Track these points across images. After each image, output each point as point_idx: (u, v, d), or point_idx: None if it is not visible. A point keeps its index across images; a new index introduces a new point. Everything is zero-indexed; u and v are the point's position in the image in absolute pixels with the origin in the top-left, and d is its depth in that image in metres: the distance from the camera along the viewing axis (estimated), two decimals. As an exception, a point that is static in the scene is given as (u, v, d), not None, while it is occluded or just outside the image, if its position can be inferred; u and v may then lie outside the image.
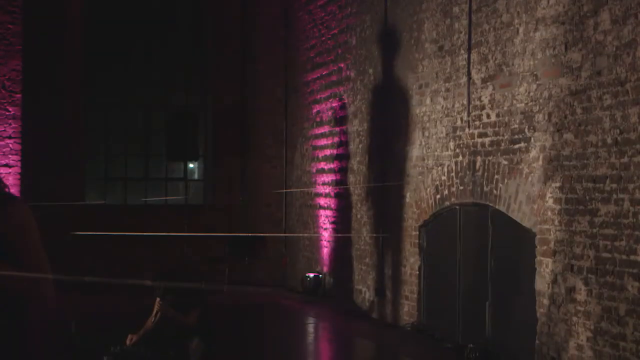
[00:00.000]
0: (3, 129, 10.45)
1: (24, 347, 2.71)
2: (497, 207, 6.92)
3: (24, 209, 2.73)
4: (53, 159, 11.27)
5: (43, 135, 11.11)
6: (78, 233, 9.14)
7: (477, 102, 7.26)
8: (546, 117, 6.25)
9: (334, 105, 10.65)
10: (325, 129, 10.94)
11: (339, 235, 10.31)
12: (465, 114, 7.43)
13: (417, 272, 8.38)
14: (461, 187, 7.53)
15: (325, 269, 10.80)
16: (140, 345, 6.89)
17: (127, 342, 6.95)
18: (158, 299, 7.06)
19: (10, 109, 10.51)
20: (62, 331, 7.88)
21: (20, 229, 2.68)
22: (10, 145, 10.48)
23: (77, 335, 7.63)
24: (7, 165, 10.26)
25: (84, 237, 9.65)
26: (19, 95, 10.59)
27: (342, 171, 10.34)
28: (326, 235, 10.84)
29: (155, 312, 7.11)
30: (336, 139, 10.57)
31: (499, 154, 6.91)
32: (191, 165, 12.82)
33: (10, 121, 10.51)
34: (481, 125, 7.20)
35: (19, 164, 10.59)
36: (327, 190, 10.86)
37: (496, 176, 6.93)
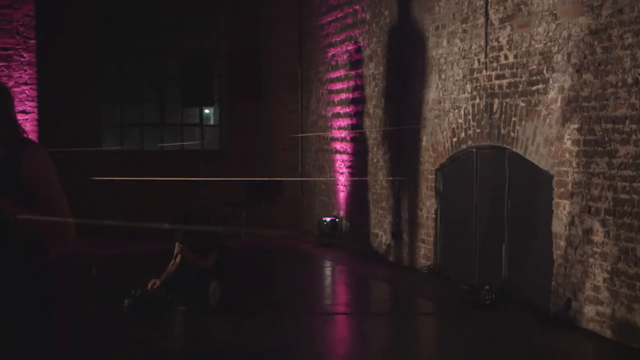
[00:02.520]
0: (19, 75, 10.44)
1: (45, 290, 2.76)
2: (514, 149, 6.88)
3: (43, 153, 2.75)
4: (69, 105, 11.29)
5: (58, 82, 11.11)
6: (96, 178, 9.21)
7: (495, 43, 7.15)
8: (565, 58, 6.16)
9: (349, 48, 10.54)
10: (341, 72, 10.85)
11: (355, 179, 10.32)
12: (483, 55, 7.33)
13: (434, 215, 8.41)
14: (478, 130, 7.48)
15: (341, 213, 10.85)
16: (161, 289, 7.02)
17: (150, 286, 7.07)
18: (177, 243, 7.16)
19: (25, 55, 10.49)
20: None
21: (40, 174, 2.70)
22: (27, 92, 10.48)
23: (97, 279, 7.78)
24: (24, 112, 10.29)
25: (102, 183, 9.73)
26: (33, 41, 10.54)
27: (358, 115, 10.29)
28: (342, 179, 10.85)
29: (175, 255, 7.22)
30: (352, 83, 10.49)
31: (516, 96, 6.83)
32: (207, 111, 12.81)
33: (25, 67, 10.50)
34: (499, 67, 7.11)
35: (35, 110, 10.62)
36: (343, 135, 10.83)
37: (513, 118, 6.87)
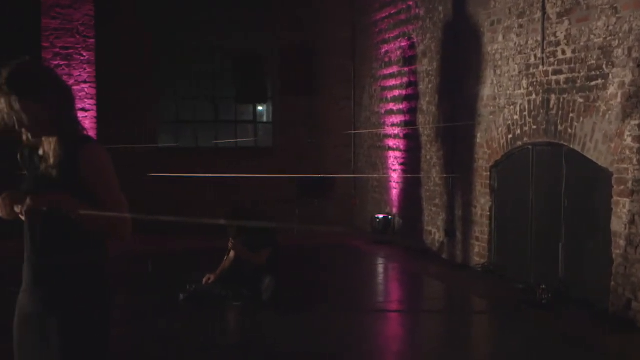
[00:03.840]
0: (78, 74, 10.70)
1: (103, 283, 2.81)
2: (571, 146, 6.74)
3: (101, 150, 2.78)
4: (126, 102, 11.50)
5: (116, 80, 11.33)
6: (153, 175, 9.36)
7: (552, 38, 7.02)
8: (626, 52, 6.00)
9: (402, 44, 10.47)
10: (394, 69, 10.80)
11: (408, 176, 10.26)
12: (540, 50, 7.20)
13: (488, 213, 8.30)
14: (534, 127, 7.36)
15: (394, 210, 10.80)
16: (216, 284, 7.10)
17: (205, 281, 7.16)
18: (230, 238, 7.23)
19: (84, 54, 10.73)
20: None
21: (98, 170, 2.74)
22: (86, 90, 10.73)
23: (153, 273, 7.91)
24: (83, 110, 10.53)
25: (158, 179, 9.89)
26: (92, 40, 10.78)
27: (411, 112, 10.22)
28: (395, 176, 10.80)
29: (229, 251, 7.30)
30: (405, 79, 10.42)
31: (574, 92, 6.69)
32: (260, 108, 12.89)
33: (85, 66, 10.75)
34: (556, 62, 6.97)
35: (94, 107, 10.86)
36: (396, 131, 10.78)
37: (571, 114, 6.73)
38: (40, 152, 2.77)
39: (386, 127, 11.08)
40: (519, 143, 7.65)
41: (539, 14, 7.20)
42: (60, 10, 10.61)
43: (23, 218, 2.69)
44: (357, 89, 12.24)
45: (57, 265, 2.71)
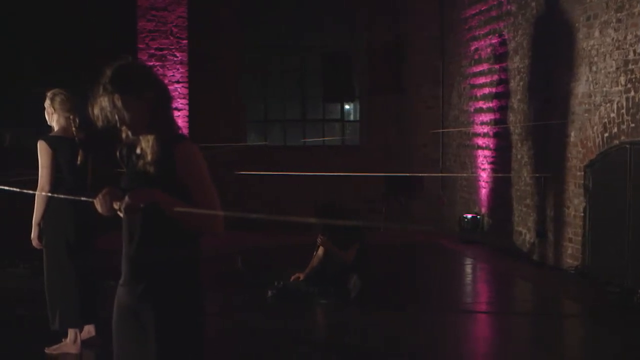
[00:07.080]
0: (172, 74, 11.02)
1: (196, 278, 2.87)
2: (673, 145, 6.45)
3: (195, 148, 2.85)
4: (217, 102, 11.75)
5: (207, 80, 11.59)
6: (242, 172, 9.52)
7: (653, 33, 6.74)
8: None
9: (493, 41, 10.28)
10: (484, 66, 10.61)
11: (498, 175, 10.06)
12: (639, 45, 6.92)
13: (582, 214, 8.05)
14: (632, 125, 7.08)
15: (483, 210, 10.62)
16: (303, 282, 7.17)
17: (293, 279, 7.24)
18: (320, 235, 7.28)
19: (177, 55, 11.04)
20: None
21: (193, 168, 2.81)
22: (179, 90, 11.03)
23: (244, 270, 8.05)
24: (176, 109, 10.83)
25: (247, 177, 10.06)
26: (185, 42, 11.08)
27: (502, 110, 10.02)
28: (484, 175, 10.62)
29: (317, 247, 7.35)
30: (495, 77, 10.23)
31: (676, 88, 6.40)
32: (347, 107, 12.92)
33: (178, 66, 11.05)
34: (656, 58, 6.69)
35: (187, 107, 11.15)
36: (485, 130, 10.59)
37: (673, 112, 6.45)
38: (138, 150, 2.86)
39: (475, 126, 10.91)
40: (616, 142, 7.38)
41: (638, 8, 6.93)
42: (156, 12, 10.96)
43: (121, 214, 2.78)
44: (445, 87, 12.10)
45: (154, 260, 2.79)
